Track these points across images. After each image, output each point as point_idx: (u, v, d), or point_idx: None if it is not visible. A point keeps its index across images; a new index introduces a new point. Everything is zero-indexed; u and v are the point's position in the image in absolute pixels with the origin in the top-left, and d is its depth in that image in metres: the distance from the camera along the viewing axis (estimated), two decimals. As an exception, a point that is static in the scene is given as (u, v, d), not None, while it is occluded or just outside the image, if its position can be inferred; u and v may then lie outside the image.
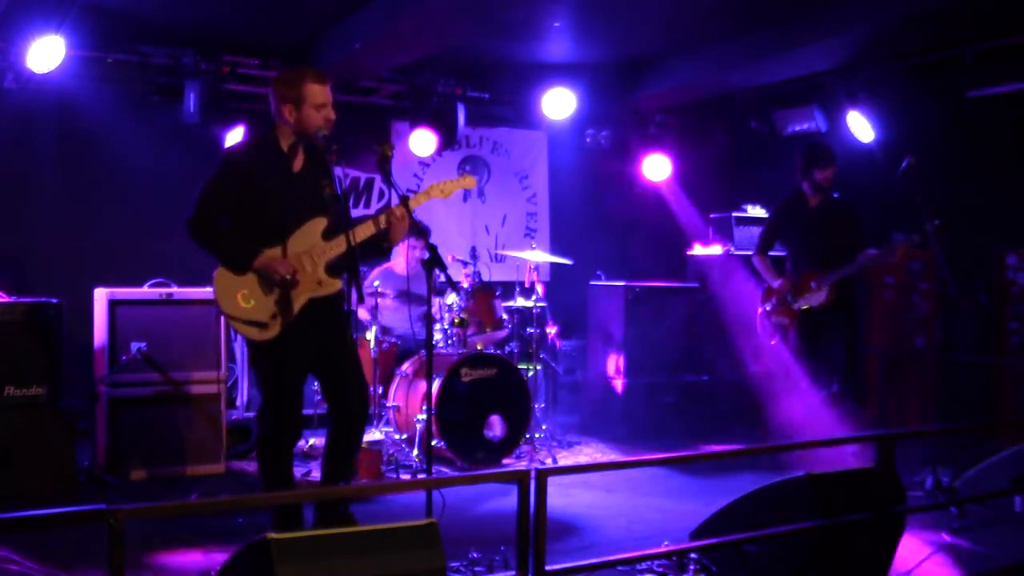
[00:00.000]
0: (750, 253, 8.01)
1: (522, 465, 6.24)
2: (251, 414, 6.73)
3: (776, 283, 6.43)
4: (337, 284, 4.16)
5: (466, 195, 8.93)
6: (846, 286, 6.24)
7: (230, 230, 4.08)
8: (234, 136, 7.08)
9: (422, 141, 8.02)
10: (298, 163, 4.17)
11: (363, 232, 4.11)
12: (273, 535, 2.60)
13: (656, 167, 8.89)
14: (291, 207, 4.08)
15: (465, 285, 6.47)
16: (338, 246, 4.08)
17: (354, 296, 3.89)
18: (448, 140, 8.07)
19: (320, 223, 4.11)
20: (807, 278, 6.25)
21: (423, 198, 4.26)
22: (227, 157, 4.17)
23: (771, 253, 6.65)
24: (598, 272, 7.95)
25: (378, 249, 4.28)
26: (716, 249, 8.14)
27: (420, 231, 4.62)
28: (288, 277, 3.99)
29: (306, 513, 4.36)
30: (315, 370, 4.27)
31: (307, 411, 6.64)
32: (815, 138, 8.21)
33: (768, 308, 6.52)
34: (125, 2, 6.37)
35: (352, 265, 3.98)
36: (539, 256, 7.09)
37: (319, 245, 4.09)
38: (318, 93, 4.07)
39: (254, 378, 4.44)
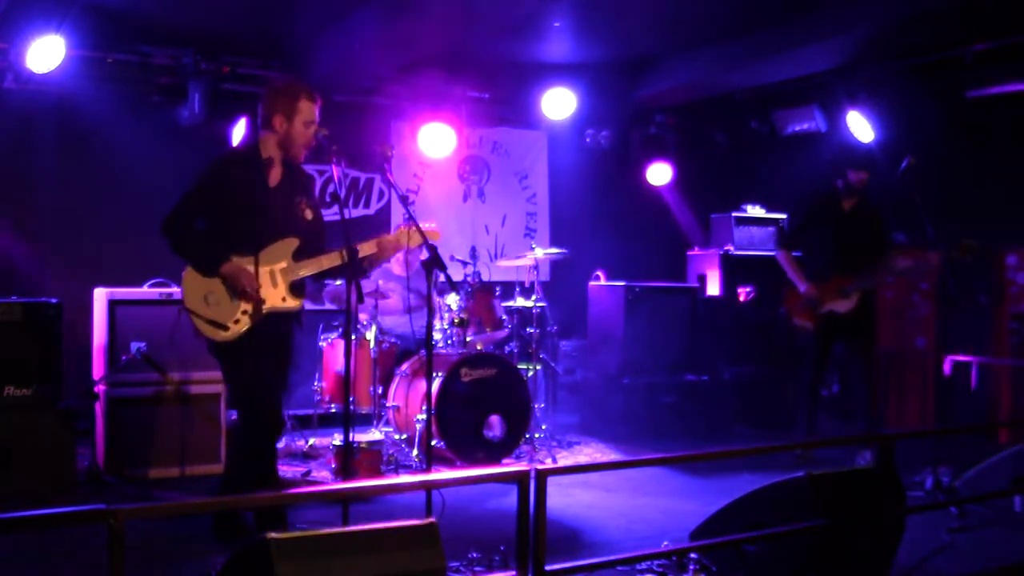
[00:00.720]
0: (751, 253, 8.05)
1: (522, 465, 6.24)
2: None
3: (804, 286, 6.28)
4: (299, 303, 4.26)
5: (466, 195, 8.94)
6: (870, 293, 6.17)
7: (203, 235, 4.16)
8: (239, 131, 7.06)
9: (437, 138, 7.91)
10: (275, 178, 4.22)
11: (331, 261, 4.20)
12: (273, 535, 2.60)
13: (659, 174, 8.91)
14: (264, 222, 4.15)
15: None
16: (306, 268, 4.19)
17: (354, 296, 3.90)
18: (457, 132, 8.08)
19: (292, 243, 4.20)
20: (837, 283, 6.13)
21: (393, 240, 4.34)
22: (213, 164, 4.22)
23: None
24: (598, 272, 7.95)
25: (352, 270, 4.31)
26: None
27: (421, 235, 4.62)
28: (250, 291, 4.07)
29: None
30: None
31: (307, 411, 6.71)
32: (817, 138, 8.22)
33: (789, 308, 6.39)
34: (125, 2, 6.36)
35: (352, 267, 3.99)
36: (540, 252, 7.07)
37: (288, 264, 4.18)
38: (309, 110, 4.16)
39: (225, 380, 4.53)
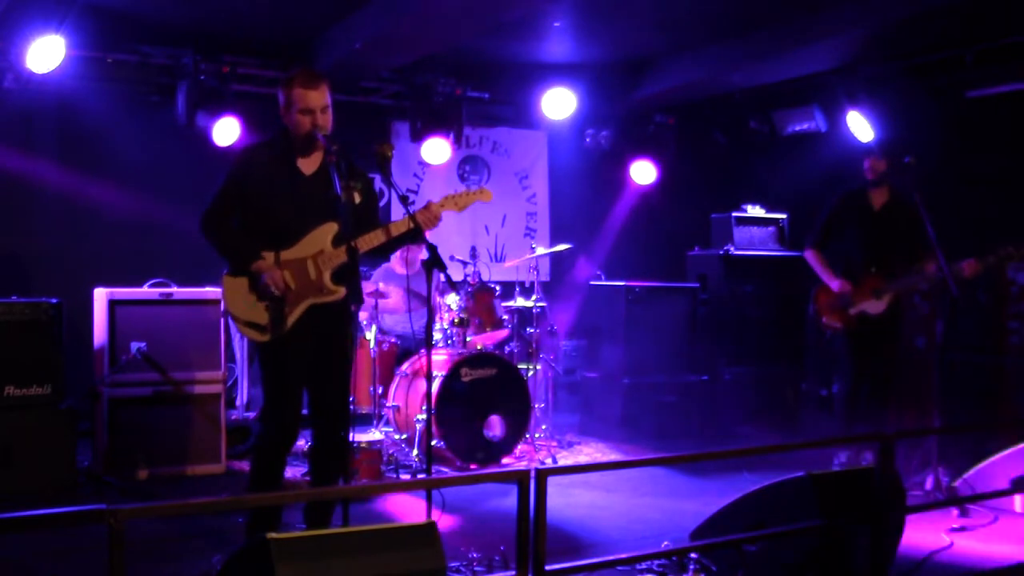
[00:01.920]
0: (751, 253, 8.05)
1: (522, 465, 6.24)
2: (251, 414, 6.74)
3: (835, 284, 6.01)
4: (341, 291, 4.07)
5: (466, 195, 8.93)
6: (901, 296, 6.00)
7: (239, 229, 4.04)
8: (221, 127, 7.00)
9: (435, 150, 7.96)
10: (310, 165, 4.09)
11: (396, 229, 4.03)
12: (273, 535, 2.60)
13: (642, 172, 8.88)
14: (297, 210, 4.01)
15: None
16: (345, 252, 3.99)
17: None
18: (453, 141, 8.08)
19: (331, 228, 4.02)
20: (870, 284, 5.91)
21: (438, 209, 4.11)
22: (239, 155, 4.14)
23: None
24: (598, 272, 7.95)
25: (382, 250, 4.24)
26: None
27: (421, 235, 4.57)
28: (274, 290, 3.93)
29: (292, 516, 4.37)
30: (306, 375, 4.15)
31: (306, 411, 6.70)
32: (817, 138, 8.21)
33: (818, 308, 6.16)
34: (125, 2, 6.36)
35: (351, 265, 3.97)
36: (543, 249, 7.06)
37: (327, 251, 4.02)
38: (303, 98, 3.97)
39: (258, 378, 4.41)
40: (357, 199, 4.04)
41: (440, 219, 4.10)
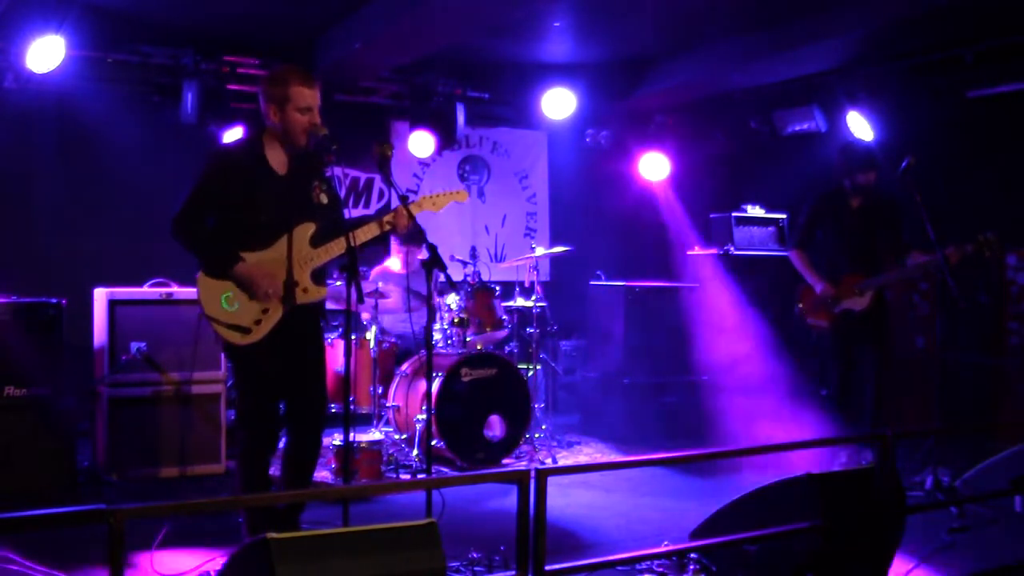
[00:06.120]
0: (751, 253, 8.05)
1: (522, 465, 6.24)
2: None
3: (819, 286, 6.08)
4: (322, 292, 4.10)
5: (466, 195, 8.93)
6: (884, 291, 6.03)
7: (215, 233, 4.00)
8: (232, 135, 7.05)
9: (421, 142, 8.00)
10: (285, 166, 4.07)
11: (366, 234, 4.05)
12: (273, 535, 2.60)
13: (654, 166, 8.87)
14: (276, 211, 3.98)
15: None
16: (327, 253, 4.02)
17: (354, 296, 3.85)
18: (447, 140, 8.07)
19: (308, 228, 4.03)
20: (850, 281, 5.97)
21: (415, 209, 4.15)
22: (213, 156, 4.09)
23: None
24: (598, 272, 7.95)
25: (374, 240, 4.20)
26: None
27: (420, 236, 4.57)
28: (270, 294, 3.92)
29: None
30: (283, 377, 4.13)
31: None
32: (817, 138, 8.20)
33: (804, 308, 6.22)
34: (125, 2, 6.37)
35: (351, 266, 3.96)
36: (542, 250, 7.06)
37: (306, 251, 4.02)
38: (303, 96, 3.96)
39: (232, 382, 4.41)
40: (324, 200, 4.07)
41: (413, 217, 4.08)
